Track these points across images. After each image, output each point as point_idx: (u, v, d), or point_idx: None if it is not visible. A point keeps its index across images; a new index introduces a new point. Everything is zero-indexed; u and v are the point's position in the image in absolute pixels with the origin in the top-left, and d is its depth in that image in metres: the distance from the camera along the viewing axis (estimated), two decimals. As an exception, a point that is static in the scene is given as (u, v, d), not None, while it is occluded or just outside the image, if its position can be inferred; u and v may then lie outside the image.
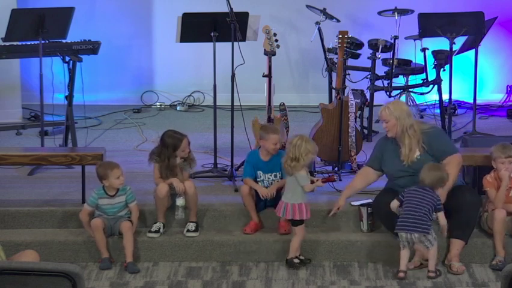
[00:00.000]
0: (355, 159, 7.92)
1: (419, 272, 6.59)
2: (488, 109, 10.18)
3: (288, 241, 6.78)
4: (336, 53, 8.27)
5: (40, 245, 6.79)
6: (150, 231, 6.92)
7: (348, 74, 8.94)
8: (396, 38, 9.05)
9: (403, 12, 9.36)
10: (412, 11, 9.34)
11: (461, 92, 10.30)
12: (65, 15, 8.37)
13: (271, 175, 7.01)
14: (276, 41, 7.80)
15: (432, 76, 9.37)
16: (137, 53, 10.70)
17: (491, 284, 6.46)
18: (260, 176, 7.02)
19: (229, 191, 7.51)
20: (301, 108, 10.24)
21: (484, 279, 6.53)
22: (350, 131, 7.88)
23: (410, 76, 9.80)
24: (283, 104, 8.00)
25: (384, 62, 9.37)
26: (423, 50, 9.32)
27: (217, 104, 7.94)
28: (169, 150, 6.94)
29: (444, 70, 9.06)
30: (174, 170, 6.96)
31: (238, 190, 7.24)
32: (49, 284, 4.48)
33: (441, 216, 6.52)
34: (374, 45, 9.11)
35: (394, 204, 6.60)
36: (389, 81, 9.13)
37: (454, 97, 9.00)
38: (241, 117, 7.91)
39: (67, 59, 8.43)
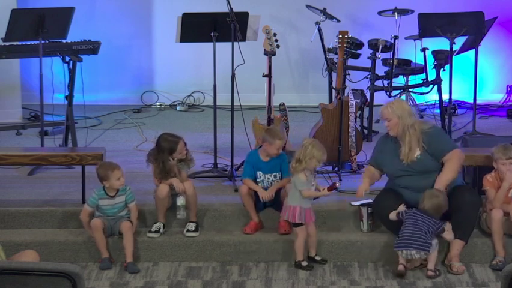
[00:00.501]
0: (355, 159, 7.92)
1: (419, 272, 6.59)
2: (488, 109, 10.18)
3: (288, 241, 6.78)
4: (336, 53, 8.27)
5: (40, 245, 6.78)
6: (150, 231, 6.92)
7: (348, 74, 8.94)
8: (396, 38, 9.04)
9: (403, 12, 9.36)
10: (412, 11, 9.33)
11: (461, 92, 10.29)
12: (65, 15, 8.36)
13: (271, 175, 7.01)
14: (276, 41, 7.79)
15: (432, 76, 9.37)
16: (137, 53, 10.70)
17: (491, 284, 6.45)
18: (260, 176, 7.02)
19: (229, 191, 7.50)
20: (301, 108, 10.23)
21: (484, 279, 6.53)
22: (350, 131, 7.87)
23: (410, 76, 9.80)
24: (283, 104, 8.00)
25: (384, 62, 9.37)
26: (423, 50, 9.31)
27: (217, 104, 7.93)
28: (165, 154, 6.91)
29: (444, 70, 9.06)
30: (172, 171, 6.95)
31: (238, 190, 7.24)
32: (49, 284, 4.48)
33: (446, 235, 6.55)
34: (374, 45, 9.10)
35: (393, 215, 6.61)
36: (389, 81, 9.12)
37: (454, 97, 8.99)
38: (241, 117, 7.90)
39: (67, 59, 8.43)
